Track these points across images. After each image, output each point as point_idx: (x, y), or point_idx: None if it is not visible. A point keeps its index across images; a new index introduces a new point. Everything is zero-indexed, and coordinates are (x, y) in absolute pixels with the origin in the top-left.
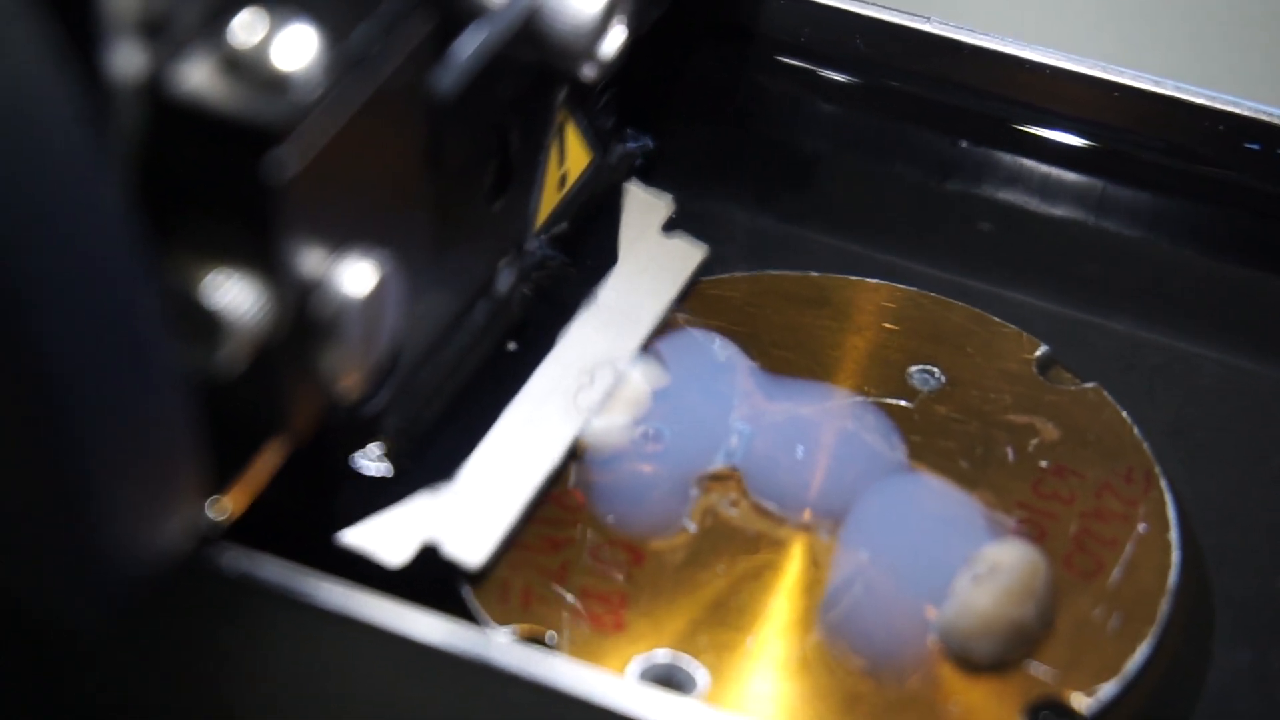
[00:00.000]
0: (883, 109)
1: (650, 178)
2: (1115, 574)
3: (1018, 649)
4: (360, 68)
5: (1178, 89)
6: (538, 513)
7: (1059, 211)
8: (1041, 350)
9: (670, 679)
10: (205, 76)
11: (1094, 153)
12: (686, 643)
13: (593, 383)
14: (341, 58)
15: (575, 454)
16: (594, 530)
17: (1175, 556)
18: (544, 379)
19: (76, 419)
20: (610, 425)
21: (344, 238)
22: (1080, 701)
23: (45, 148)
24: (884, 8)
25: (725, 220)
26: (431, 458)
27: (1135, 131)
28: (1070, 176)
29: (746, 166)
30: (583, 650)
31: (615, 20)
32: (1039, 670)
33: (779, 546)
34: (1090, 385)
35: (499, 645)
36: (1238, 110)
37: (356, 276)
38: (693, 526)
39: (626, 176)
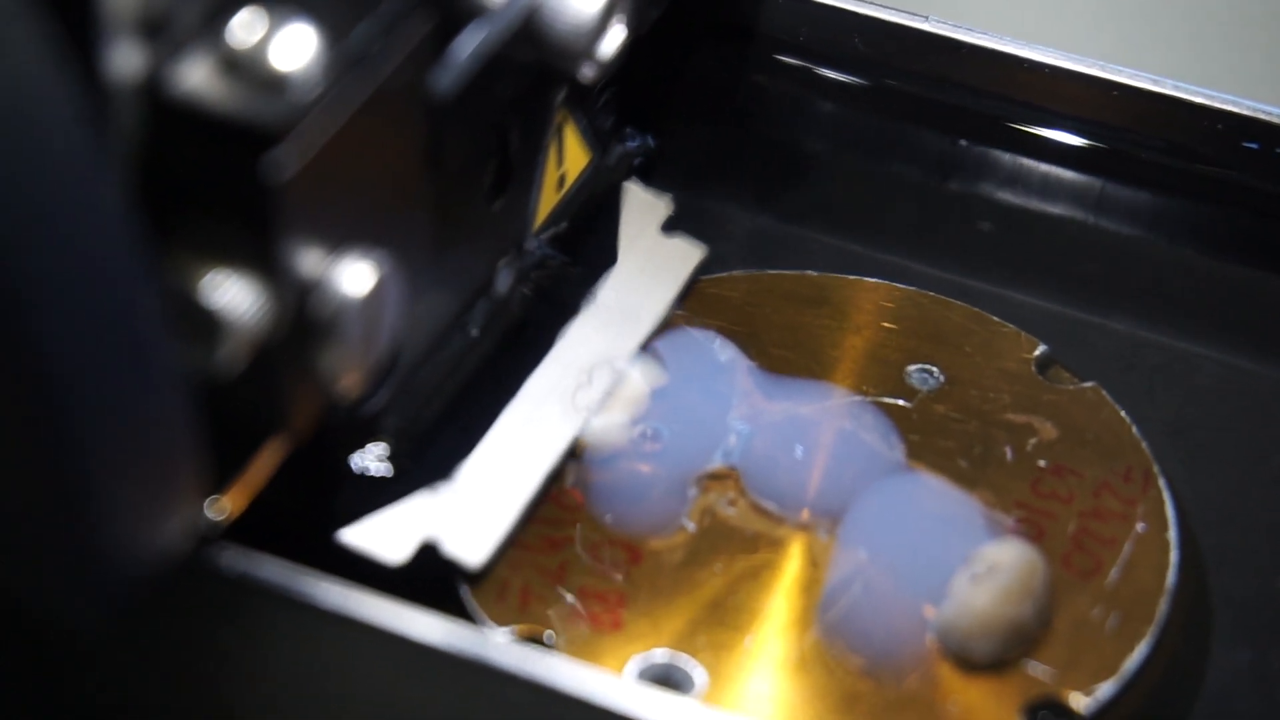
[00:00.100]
0: (882, 108)
1: (649, 177)
2: (1114, 573)
3: (1016, 648)
4: (359, 68)
5: (1176, 88)
6: (536, 512)
7: (1058, 211)
8: (1040, 350)
9: (668, 678)
10: (204, 76)
11: (1093, 152)
12: (685, 642)
13: (591, 382)
14: (340, 58)
15: (574, 453)
16: (592, 530)
17: (1174, 556)
18: (543, 379)
19: (76, 418)
20: (609, 424)
21: (343, 237)
22: (1078, 701)
23: (45, 148)
24: (883, 7)
25: (724, 220)
26: (431, 457)
27: (1134, 130)
28: (1069, 175)
29: (745, 166)
30: (581, 650)
31: (614, 20)
32: (1037, 670)
33: (777, 546)
34: (1089, 385)
35: (497, 645)
36: (1237, 109)
37: (355, 276)
38: (691, 526)
39: (626, 176)
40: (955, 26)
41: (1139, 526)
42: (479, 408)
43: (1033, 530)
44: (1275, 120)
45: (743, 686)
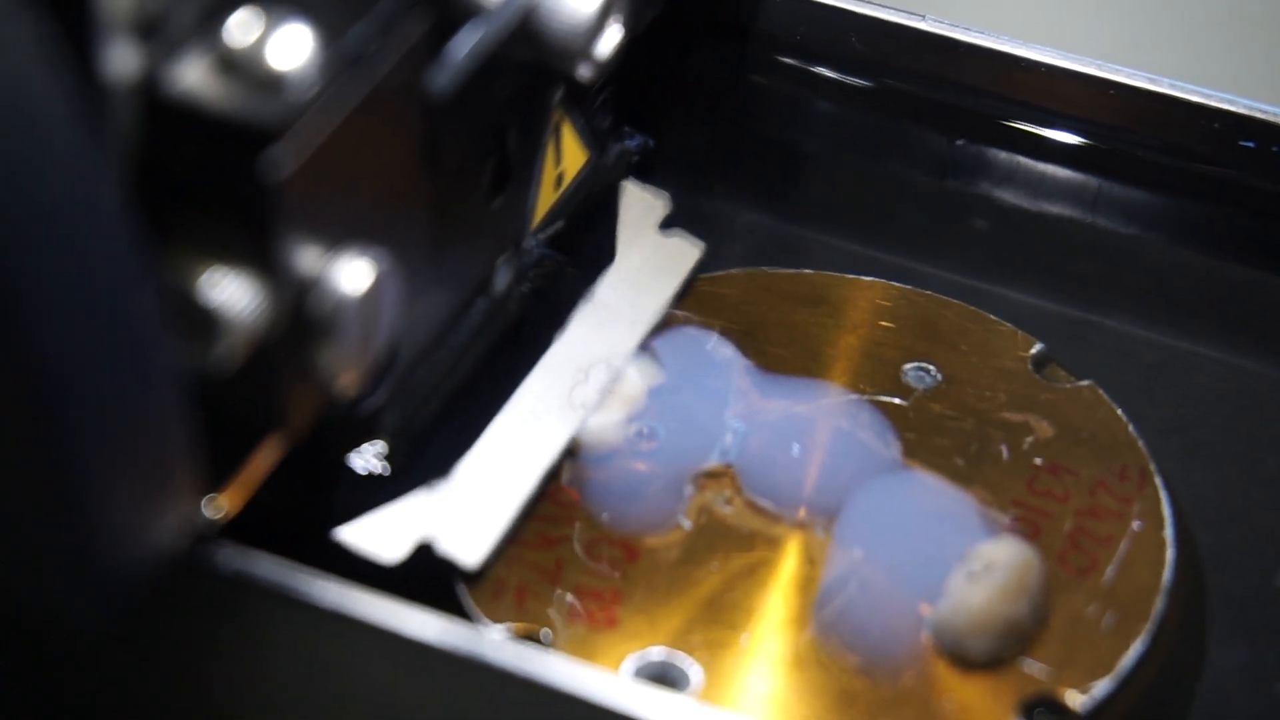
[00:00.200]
0: (879, 107)
1: (647, 176)
2: (1110, 571)
3: (1012, 646)
4: (356, 67)
5: (1173, 87)
6: (533, 510)
7: (1054, 209)
8: (1037, 348)
9: (664, 676)
10: (201, 76)
11: (1090, 151)
12: (681, 640)
13: (588, 380)
14: (337, 57)
15: (570, 452)
16: (589, 528)
17: (1170, 554)
18: (541, 377)
19: (73, 416)
20: (605, 423)
21: (340, 236)
22: (1075, 699)
23: (41, 147)
24: (880, 6)
25: (722, 218)
26: (428, 456)
27: (1131, 129)
28: (1066, 174)
29: (743, 165)
30: (577, 648)
31: (611, 19)
32: (1033, 668)
33: (774, 544)
34: (1085, 383)
35: (493, 643)
36: (1233, 108)
37: (353, 274)
38: (687, 524)
39: (624, 175)
40: (952, 26)
41: (1135, 525)
42: (476, 406)
43: (1029, 528)
44: (1272, 119)
45: (739, 684)
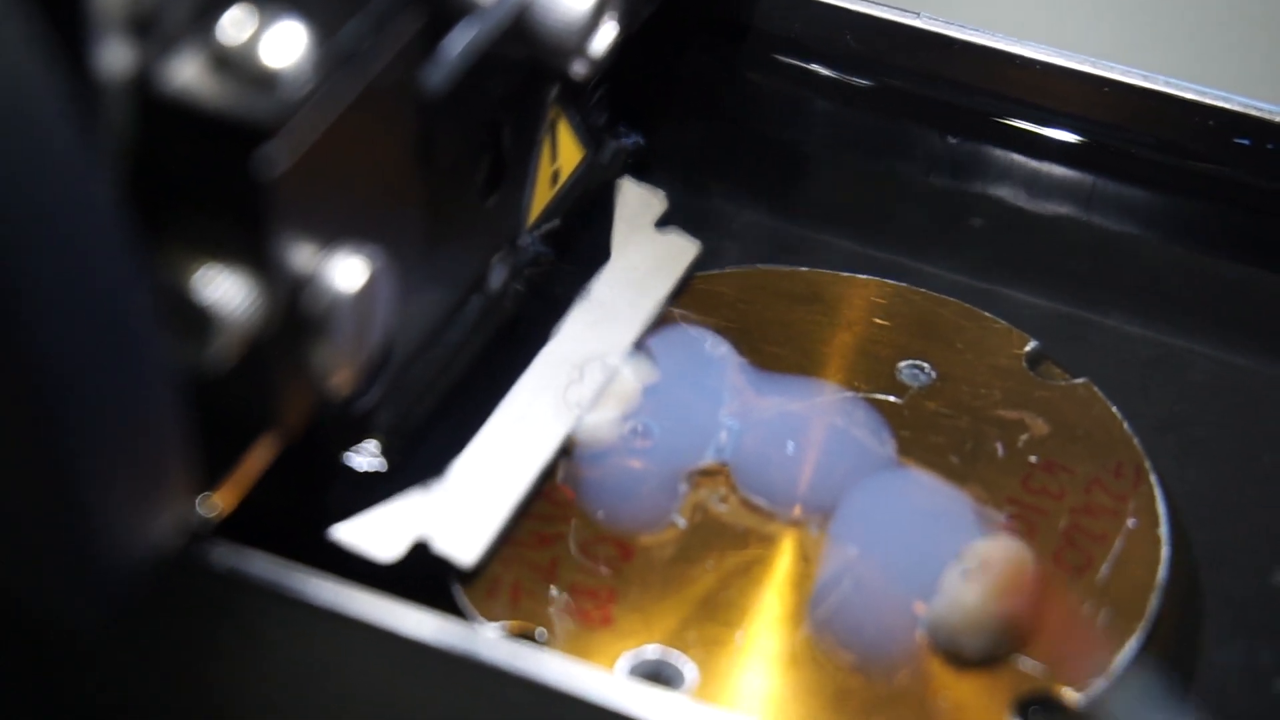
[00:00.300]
0: (873, 105)
1: (643, 174)
2: (1105, 569)
3: (1007, 644)
4: (350, 64)
5: (1168, 84)
6: (528, 509)
7: (1049, 207)
8: (1031, 346)
9: (659, 674)
10: (195, 73)
11: (1084, 148)
12: (675, 638)
13: (582, 378)
14: (331, 54)
15: (565, 450)
16: (583, 526)
17: (1165, 552)
18: (536, 375)
19: (68, 415)
20: (600, 421)
21: (334, 233)
22: (1069, 696)
23: (36, 145)
24: (875, 3)
25: (718, 216)
26: (423, 454)
27: (1125, 127)
28: (1060, 172)
29: (738, 162)
30: (572, 646)
31: (606, 17)
32: (1028, 665)
33: (768, 542)
34: (1080, 381)
35: (488, 641)
36: (1227, 105)
37: (347, 272)
38: (682, 522)
39: (619, 173)
40: (947, 23)
41: (1130, 522)
42: (472, 404)
43: (1024, 526)
44: (1266, 116)
45: (733, 682)
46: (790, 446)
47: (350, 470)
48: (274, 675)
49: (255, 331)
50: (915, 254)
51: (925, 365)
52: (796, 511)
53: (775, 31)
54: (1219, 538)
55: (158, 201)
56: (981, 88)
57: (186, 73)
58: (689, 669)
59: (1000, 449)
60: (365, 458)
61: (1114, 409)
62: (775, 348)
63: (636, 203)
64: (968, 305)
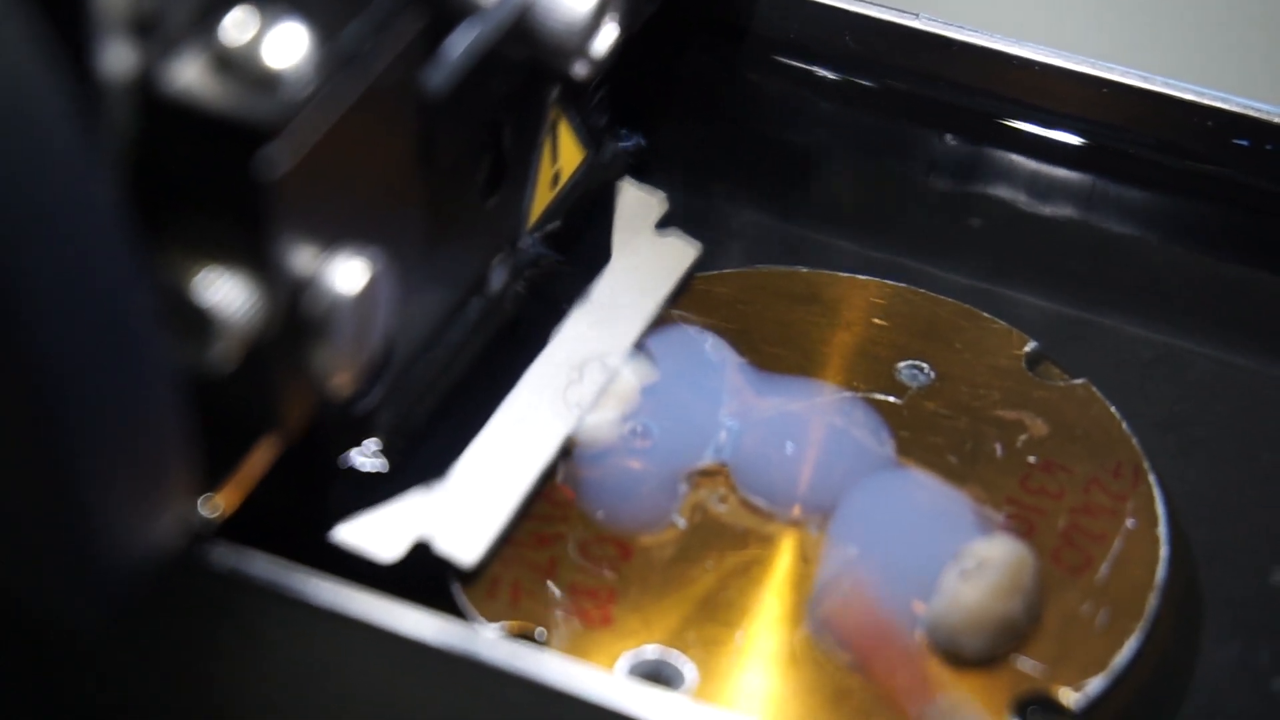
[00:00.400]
0: (873, 105)
1: (643, 175)
2: (1103, 569)
3: (1006, 644)
4: (351, 65)
5: (1166, 85)
6: (528, 509)
7: (1048, 208)
8: (1030, 346)
9: (659, 674)
10: (196, 74)
11: (1083, 149)
12: (675, 638)
13: (582, 379)
14: (333, 56)
15: (564, 450)
16: (583, 526)
17: (1163, 551)
18: (537, 376)
19: (69, 416)
20: (599, 421)
21: (335, 235)
22: (1068, 697)
23: (37, 146)
24: (873, 4)
25: (719, 217)
26: (424, 455)
27: (1124, 128)
28: (1060, 172)
29: (739, 163)
30: (572, 646)
31: (607, 18)
32: (1027, 665)
33: (768, 542)
34: (1079, 381)
35: (487, 641)
36: (1227, 106)
37: (348, 274)
38: (681, 522)
39: (620, 174)
40: (946, 24)
41: (1129, 522)
42: (472, 405)
43: (1023, 526)
44: (1266, 117)
45: (733, 682)
46: (789, 447)
47: (351, 471)
48: (274, 675)
49: (256, 333)
50: (914, 254)
51: (924, 365)
52: (796, 511)
53: (774, 33)
54: (1218, 538)
55: (159, 202)
56: (981, 88)
57: (188, 73)
58: (689, 669)
59: (999, 449)
60: (366, 458)
61: (1113, 409)
62: (774, 348)
63: (637, 204)
64: (967, 306)
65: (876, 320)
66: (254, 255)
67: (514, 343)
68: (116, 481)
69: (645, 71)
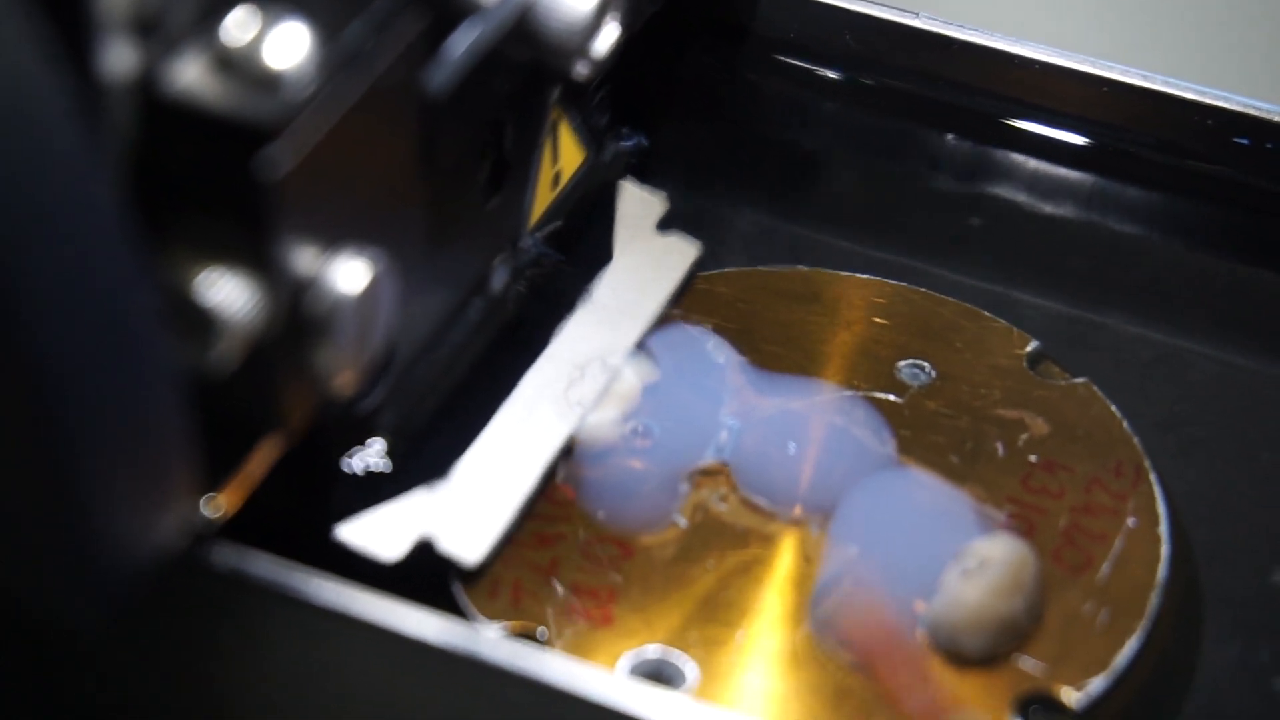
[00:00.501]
0: (873, 105)
1: (644, 175)
2: (1104, 568)
3: (1007, 643)
4: (353, 66)
5: (1167, 84)
6: (529, 508)
7: (1049, 207)
8: (1031, 345)
9: (660, 674)
10: (198, 75)
11: (1084, 148)
12: (676, 638)
13: (584, 378)
14: (334, 56)
15: (565, 450)
16: (584, 526)
17: (1164, 551)
18: (539, 376)
19: (71, 416)
20: (600, 421)
21: (337, 235)
22: (1069, 696)
23: (38, 146)
24: (874, 4)
25: (720, 217)
26: (427, 455)
27: (1125, 127)
28: (1060, 172)
29: (739, 163)
30: (573, 645)
31: (608, 18)
32: (1028, 664)
33: (769, 541)
34: (1080, 380)
35: (489, 641)
36: (1227, 105)
37: (350, 274)
38: (683, 522)
39: (621, 174)
40: (946, 23)
41: (1130, 521)
42: (474, 405)
43: (1024, 525)
44: (1266, 116)
45: (734, 682)
46: (790, 446)
47: (353, 471)
48: (275, 675)
49: (258, 333)
50: (915, 254)
51: (925, 365)
52: (797, 511)
53: (775, 32)
54: (1218, 537)
55: (161, 203)
56: (981, 88)
57: (190, 74)
58: (690, 668)
59: (1000, 448)
60: (368, 458)
61: (1114, 408)
62: (775, 347)
63: (638, 204)
64: (967, 305)
65: (877, 319)
66: (255, 256)
67: (515, 343)
68: (117, 481)
69: (646, 72)
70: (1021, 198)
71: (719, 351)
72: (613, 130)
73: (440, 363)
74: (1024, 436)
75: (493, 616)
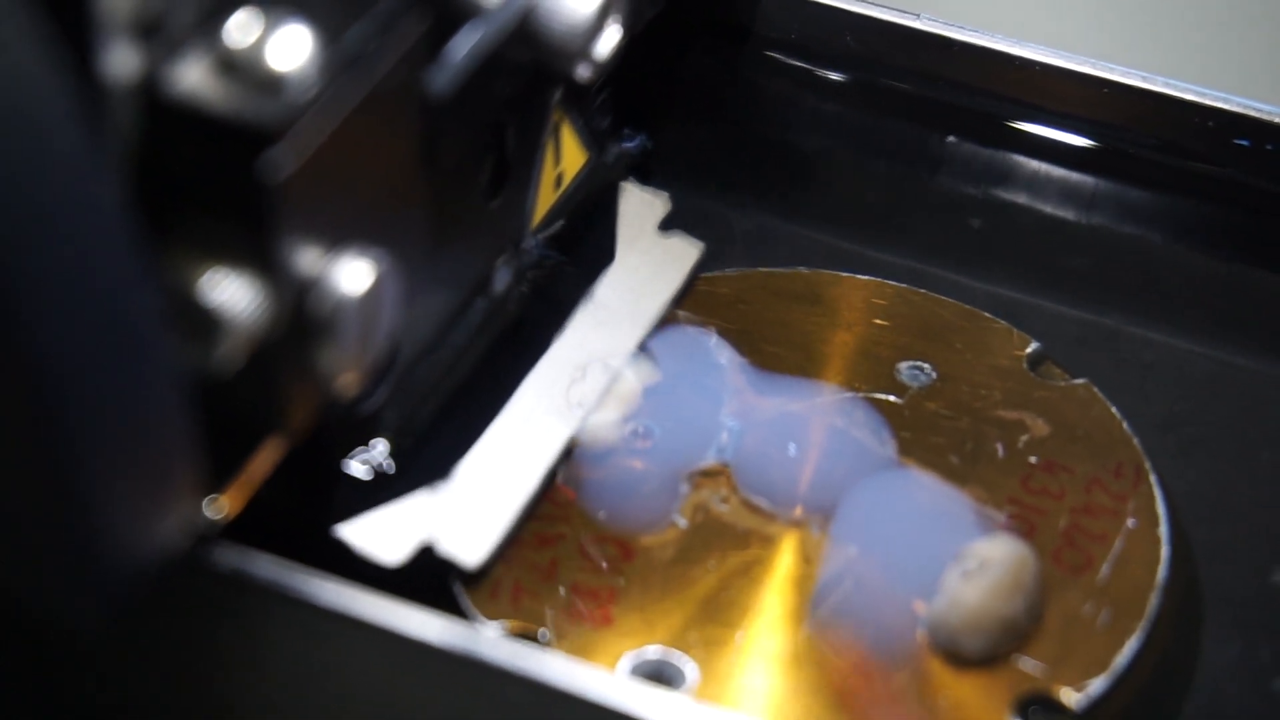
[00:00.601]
0: (873, 105)
1: (646, 176)
2: (1104, 569)
3: (1007, 644)
4: (355, 67)
5: (1167, 85)
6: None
7: (1049, 207)
8: (1032, 346)
9: (660, 674)
10: (201, 77)
11: (1084, 149)
12: (677, 638)
13: (585, 378)
14: (336, 58)
15: (566, 451)
16: (584, 526)
17: (1164, 551)
18: (541, 377)
19: (74, 417)
20: (601, 422)
21: (340, 236)
22: (1069, 696)
23: (42, 148)
24: (874, 5)
25: (720, 217)
26: (428, 456)
27: (1125, 128)
28: (1060, 173)
29: (741, 164)
30: (573, 646)
31: (610, 20)
32: (1028, 665)
33: (769, 542)
34: (1080, 381)
35: (489, 641)
36: (1227, 106)
37: (353, 275)
38: (683, 522)
39: (623, 175)
40: (946, 24)
41: (1130, 522)
42: (476, 407)
43: (1024, 526)
44: (1266, 117)
45: (735, 682)
46: (791, 447)
47: (355, 472)
48: (276, 675)
49: (261, 334)
50: (915, 254)
51: (925, 366)
52: (797, 512)
53: (776, 33)
54: (1218, 537)
55: (164, 204)
56: (981, 88)
57: (192, 76)
58: (690, 669)
59: (1000, 449)
60: (370, 459)
61: (1114, 409)
62: (775, 348)
63: (640, 205)
64: (967, 306)
65: (878, 320)
66: (259, 257)
67: (517, 344)
68: (120, 482)
69: (648, 73)
70: (1022, 198)
71: (719, 352)
72: (615, 131)
73: (442, 364)
74: (1024, 437)
75: (493, 617)
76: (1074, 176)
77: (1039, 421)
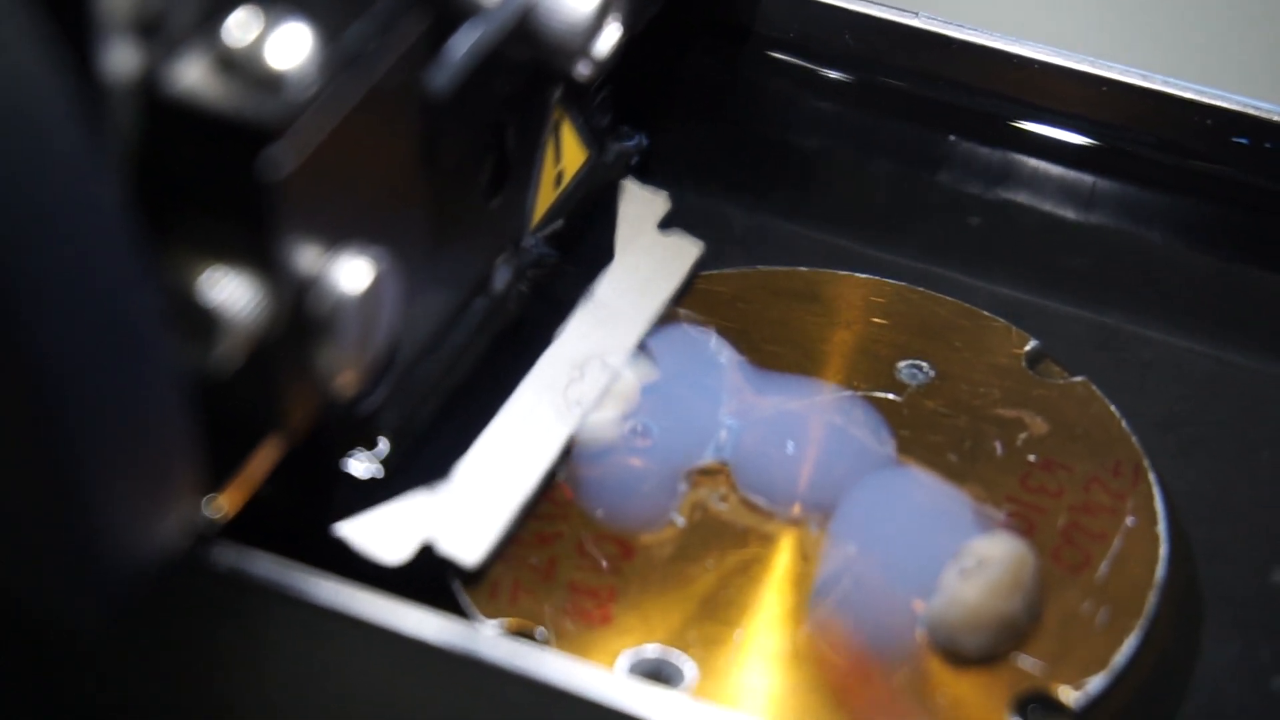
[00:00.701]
0: (873, 104)
1: (646, 175)
2: (1103, 567)
3: (1006, 642)
4: (355, 66)
5: (1166, 84)
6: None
7: (1048, 206)
8: (1031, 344)
9: (659, 673)
10: (200, 75)
11: (1083, 147)
12: (675, 637)
13: (584, 377)
14: (336, 56)
15: (565, 449)
16: (583, 525)
17: (1163, 550)
18: (540, 376)
19: (73, 417)
20: (599, 420)
21: (339, 235)
22: (1068, 695)
23: (41, 147)
24: (874, 3)
25: (720, 216)
26: (428, 455)
27: (1124, 126)
28: (1059, 171)
29: (740, 162)
30: (572, 644)
31: (610, 18)
32: (1027, 663)
33: (768, 541)
34: (1079, 379)
35: (488, 640)
36: (1226, 105)
37: (352, 273)
38: (681, 521)
39: (623, 174)
40: (946, 23)
41: (1129, 520)
42: (476, 405)
43: (1022, 524)
44: (1265, 115)
45: (733, 681)
46: (789, 445)
47: (354, 472)
48: (275, 675)
49: (261, 333)
50: (915, 253)
51: (924, 364)
52: (796, 510)
53: (775, 32)
54: (1218, 536)
55: (163, 203)
56: (981, 87)
57: (192, 74)
58: (689, 667)
59: (999, 447)
60: (369, 459)
61: (1113, 408)
62: (774, 347)
63: (639, 204)
64: (966, 304)
65: (876, 319)
66: (258, 255)
67: (517, 343)
68: (119, 481)
69: (648, 72)
70: (1021, 197)
71: (718, 351)
72: (614, 130)
73: (442, 363)
74: (1023, 436)
75: (492, 615)
76: (1073, 175)
77: (1038, 420)
